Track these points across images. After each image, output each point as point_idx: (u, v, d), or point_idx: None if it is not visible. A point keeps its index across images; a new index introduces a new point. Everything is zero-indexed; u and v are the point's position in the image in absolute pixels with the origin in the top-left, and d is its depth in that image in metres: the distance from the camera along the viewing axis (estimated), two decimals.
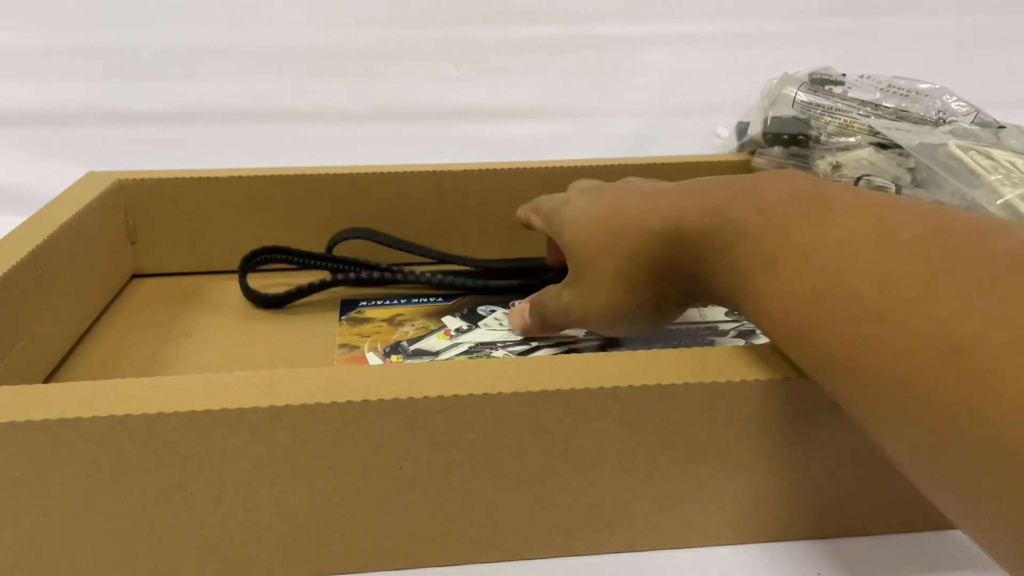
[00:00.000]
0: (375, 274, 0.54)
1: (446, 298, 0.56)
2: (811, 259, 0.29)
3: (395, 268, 0.54)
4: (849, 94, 0.58)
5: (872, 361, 0.25)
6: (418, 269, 0.56)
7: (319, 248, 0.58)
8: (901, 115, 0.55)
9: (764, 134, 0.59)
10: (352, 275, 0.55)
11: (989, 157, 0.47)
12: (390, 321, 0.52)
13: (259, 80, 0.81)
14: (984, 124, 0.52)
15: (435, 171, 0.59)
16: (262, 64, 0.81)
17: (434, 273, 0.54)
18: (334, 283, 0.54)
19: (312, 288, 0.55)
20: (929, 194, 0.47)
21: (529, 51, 0.83)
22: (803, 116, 0.57)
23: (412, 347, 0.49)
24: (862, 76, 0.59)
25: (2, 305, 0.42)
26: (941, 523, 0.36)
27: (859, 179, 0.52)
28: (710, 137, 0.71)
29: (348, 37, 0.82)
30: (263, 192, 0.59)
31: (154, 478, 0.31)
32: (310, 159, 0.60)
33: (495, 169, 0.60)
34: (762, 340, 0.49)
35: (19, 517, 0.31)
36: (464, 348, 0.49)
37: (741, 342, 0.49)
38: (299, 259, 0.57)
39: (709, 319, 0.52)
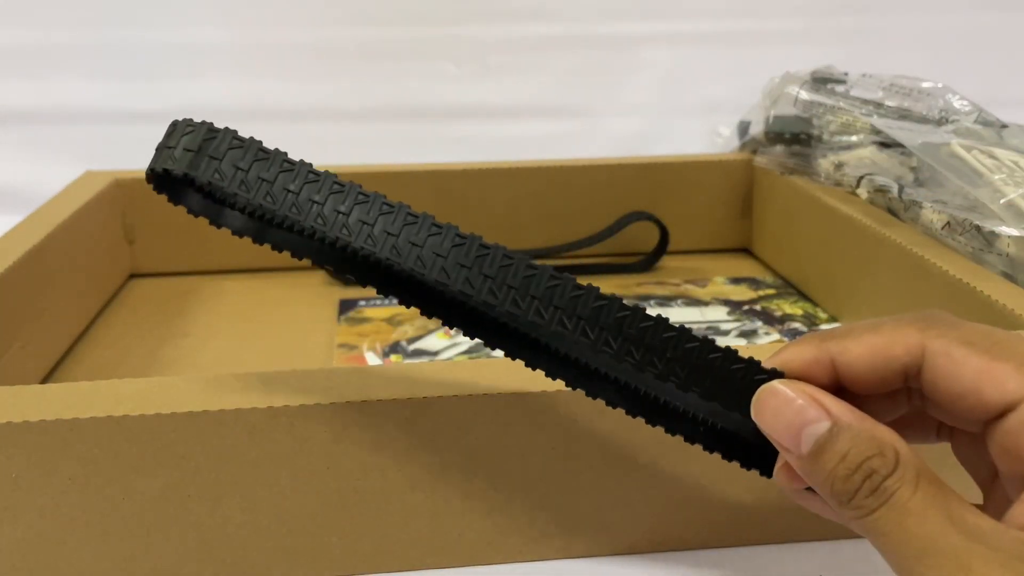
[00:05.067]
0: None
1: None
2: None
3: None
4: (851, 93, 0.57)
5: None
6: None
7: None
8: (903, 114, 0.55)
9: (766, 133, 0.59)
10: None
11: (992, 156, 0.46)
12: (389, 320, 0.52)
13: (259, 80, 0.81)
14: (987, 123, 0.52)
15: (435, 171, 0.59)
16: (262, 64, 0.81)
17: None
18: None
19: None
20: (931, 193, 0.47)
21: (529, 50, 0.83)
22: (805, 115, 0.57)
23: (411, 346, 0.49)
24: (864, 75, 0.59)
25: None
26: None
27: (861, 178, 0.52)
28: (711, 136, 0.71)
29: (348, 37, 0.82)
30: None
31: (152, 479, 0.30)
32: (310, 159, 0.60)
33: (495, 169, 0.60)
34: (762, 340, 0.49)
35: (16, 518, 0.30)
36: (464, 348, 0.48)
37: (742, 342, 0.49)
38: None
39: (710, 319, 0.52)
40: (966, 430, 0.25)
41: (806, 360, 0.25)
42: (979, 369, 0.23)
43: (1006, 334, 0.24)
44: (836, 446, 0.22)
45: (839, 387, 0.25)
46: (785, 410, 0.23)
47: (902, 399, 0.26)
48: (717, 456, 0.30)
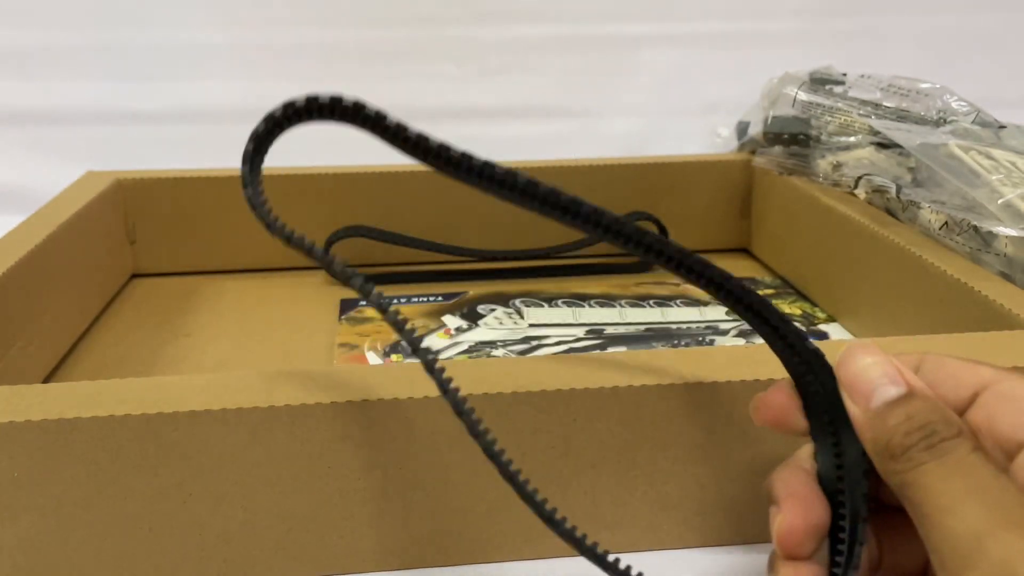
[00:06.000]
0: None
1: (446, 297, 0.55)
2: None
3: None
4: (850, 94, 0.58)
5: None
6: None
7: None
8: (902, 115, 0.55)
9: (764, 134, 0.59)
10: None
11: (990, 157, 0.47)
12: None
13: (259, 80, 0.81)
14: (985, 124, 0.52)
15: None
16: (262, 64, 0.81)
17: None
18: None
19: None
20: (929, 193, 0.47)
21: (529, 50, 0.84)
22: (804, 116, 0.57)
23: None
24: (863, 76, 0.59)
25: (1, 305, 0.42)
26: None
27: (859, 178, 0.52)
28: (710, 136, 0.71)
29: (348, 38, 0.82)
30: None
31: (153, 478, 0.31)
32: (310, 159, 0.60)
33: None
34: (761, 340, 0.49)
35: (18, 517, 0.31)
36: (464, 347, 0.49)
37: (741, 342, 0.49)
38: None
39: (709, 319, 0.52)
40: None
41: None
42: (991, 369, 0.25)
43: None
44: (906, 408, 0.24)
45: None
46: (871, 369, 0.25)
47: None
48: (716, 455, 0.30)
